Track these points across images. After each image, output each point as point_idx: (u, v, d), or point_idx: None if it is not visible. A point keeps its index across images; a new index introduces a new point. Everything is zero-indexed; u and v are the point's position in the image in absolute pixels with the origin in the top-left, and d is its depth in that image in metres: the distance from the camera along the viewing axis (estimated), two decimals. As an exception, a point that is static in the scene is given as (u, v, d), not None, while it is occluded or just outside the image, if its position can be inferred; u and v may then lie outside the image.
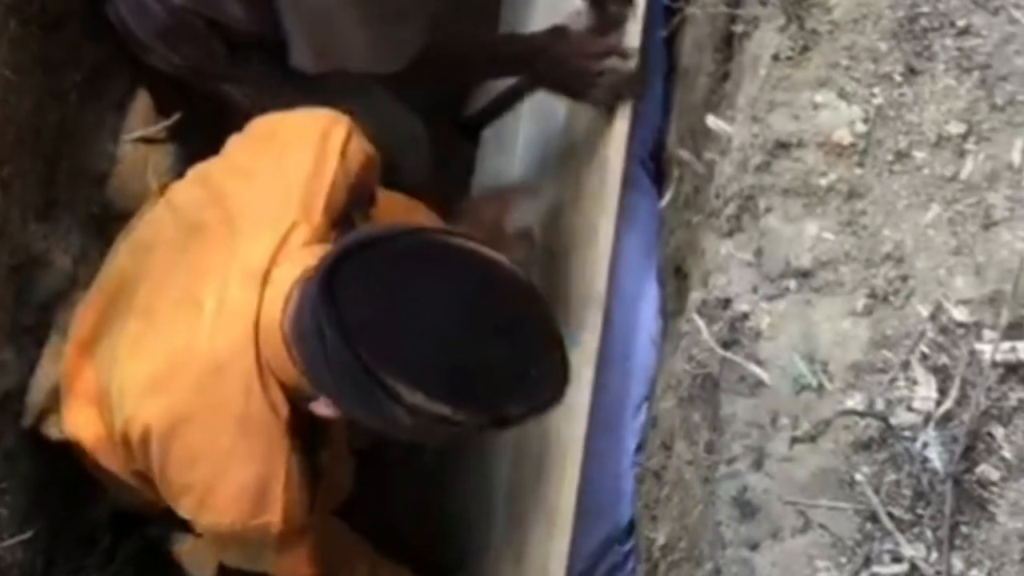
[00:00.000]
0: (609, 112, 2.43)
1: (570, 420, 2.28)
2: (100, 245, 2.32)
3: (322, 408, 1.85)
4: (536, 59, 2.47)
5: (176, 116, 2.52)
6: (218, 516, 1.93)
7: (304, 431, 1.93)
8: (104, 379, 2.05)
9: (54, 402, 2.19)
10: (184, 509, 1.97)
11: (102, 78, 2.42)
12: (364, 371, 1.70)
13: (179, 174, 2.31)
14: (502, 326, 1.75)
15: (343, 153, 1.99)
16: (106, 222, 2.37)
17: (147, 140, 2.50)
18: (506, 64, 2.57)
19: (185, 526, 2.22)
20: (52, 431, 2.20)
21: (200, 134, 2.73)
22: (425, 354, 1.71)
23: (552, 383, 1.80)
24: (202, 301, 1.91)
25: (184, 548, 2.47)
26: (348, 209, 2.01)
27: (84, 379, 2.11)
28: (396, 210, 2.21)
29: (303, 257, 1.87)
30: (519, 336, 1.76)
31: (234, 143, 2.10)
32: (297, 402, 1.89)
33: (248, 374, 1.87)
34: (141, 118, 2.51)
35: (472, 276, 1.77)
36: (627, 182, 2.42)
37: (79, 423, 2.11)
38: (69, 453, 2.20)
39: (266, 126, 2.08)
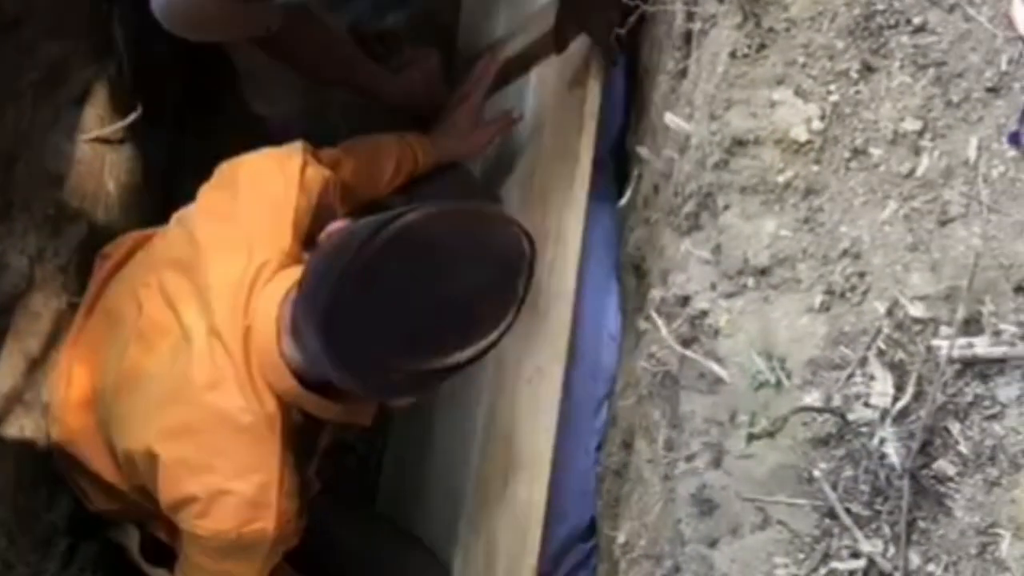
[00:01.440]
0: (578, 109, 2.44)
1: (539, 417, 2.28)
2: (56, 246, 2.31)
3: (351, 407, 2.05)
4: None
5: (133, 116, 2.51)
6: (219, 524, 2.03)
7: (295, 443, 2.05)
8: (99, 387, 2.21)
9: (13, 404, 2.19)
10: (185, 520, 2.07)
11: (59, 77, 2.41)
12: (387, 366, 1.89)
13: (136, 175, 2.33)
14: (483, 278, 1.91)
15: (301, 183, 2.13)
16: (62, 222, 2.36)
17: (104, 140, 2.48)
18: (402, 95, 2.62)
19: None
20: (11, 432, 2.20)
21: (159, 135, 2.74)
22: (427, 326, 1.88)
23: (520, 284, 1.94)
24: (189, 331, 2.06)
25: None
26: (316, 231, 2.09)
27: (81, 388, 2.25)
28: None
29: (282, 279, 2.02)
30: (487, 273, 1.92)
31: (204, 189, 2.21)
32: (290, 413, 2.03)
33: (243, 389, 2.01)
34: (98, 118, 2.49)
35: (430, 257, 1.89)
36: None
37: (75, 431, 2.25)
38: (26, 455, 2.20)
39: (228, 170, 2.20)
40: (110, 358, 2.20)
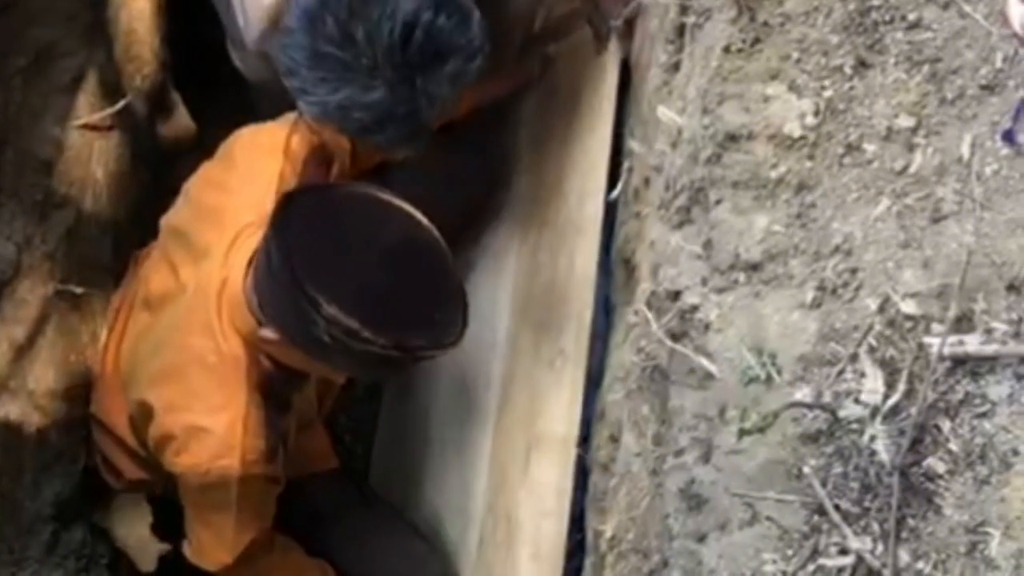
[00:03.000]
0: (594, 95, 2.46)
1: (564, 400, 2.32)
2: (44, 232, 2.31)
3: (267, 333, 2.13)
4: None
5: (123, 102, 2.50)
6: (193, 458, 2.20)
7: (264, 388, 2.19)
8: (121, 356, 2.42)
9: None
10: (168, 459, 2.24)
11: (47, 63, 2.39)
12: (294, 281, 2.03)
13: (124, 162, 2.33)
14: (417, 270, 2.12)
15: (286, 151, 2.28)
16: (50, 209, 2.35)
17: (93, 127, 2.48)
18: None
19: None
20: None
21: (148, 122, 2.73)
22: (346, 276, 2.05)
23: (452, 329, 2.11)
24: (184, 288, 2.26)
25: (130, 539, 2.47)
26: None
27: (110, 361, 2.45)
28: None
29: (258, 237, 2.16)
30: (430, 281, 2.12)
31: (208, 161, 2.39)
32: (257, 358, 2.19)
33: (211, 332, 2.18)
34: (87, 104, 2.48)
35: (400, 225, 2.12)
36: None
37: (105, 399, 2.44)
38: (11, 442, 2.20)
39: (226, 144, 2.38)
40: (128, 329, 2.43)
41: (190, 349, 2.20)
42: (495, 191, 2.64)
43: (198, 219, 2.30)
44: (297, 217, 2.07)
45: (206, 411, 2.18)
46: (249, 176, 2.29)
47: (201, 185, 2.36)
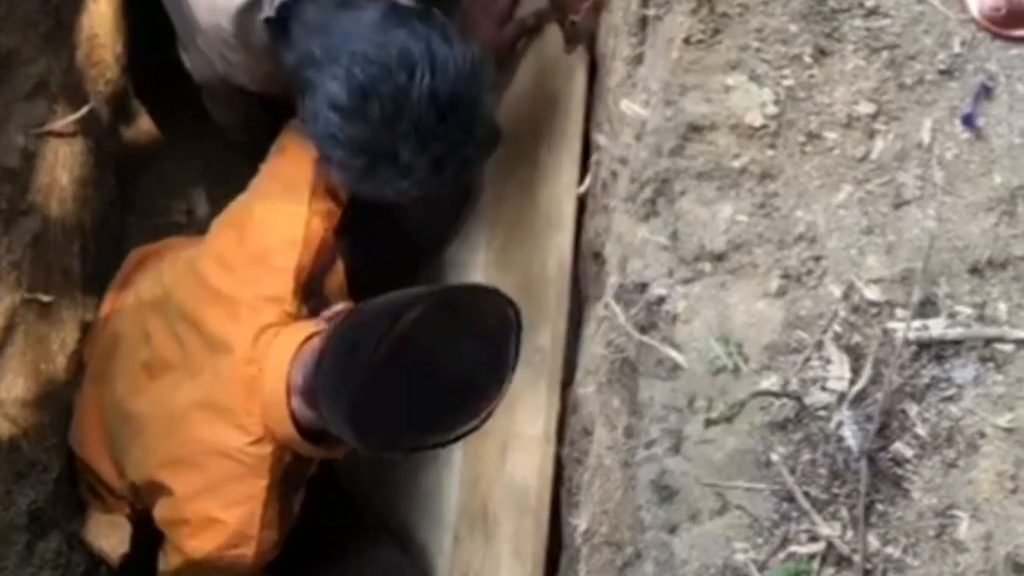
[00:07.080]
0: (562, 93, 2.45)
1: (541, 397, 2.32)
2: (10, 241, 2.29)
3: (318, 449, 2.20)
4: None
5: (86, 108, 2.49)
6: (205, 545, 2.22)
7: (283, 480, 2.22)
8: (106, 408, 2.41)
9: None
10: (176, 536, 2.26)
11: (9, 71, 2.37)
12: (396, 450, 2.17)
13: (89, 167, 2.31)
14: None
15: (304, 240, 2.29)
16: (15, 217, 2.34)
17: (57, 134, 2.46)
18: None
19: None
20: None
21: (112, 127, 2.72)
22: (431, 424, 2.04)
23: (508, 371, 2.05)
24: (195, 371, 2.24)
25: (107, 545, 2.47)
26: (316, 272, 2.32)
27: (90, 407, 2.45)
28: None
29: (289, 338, 2.18)
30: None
31: (215, 229, 2.38)
32: (283, 455, 2.20)
33: (242, 430, 2.18)
34: (51, 111, 2.47)
35: (430, 354, 2.03)
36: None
37: (87, 446, 2.45)
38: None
39: (237, 208, 2.38)
40: (116, 383, 2.39)
41: (211, 442, 2.20)
42: (475, 197, 2.64)
43: (207, 304, 2.26)
44: (372, 403, 2.03)
45: (223, 504, 2.20)
46: (259, 261, 2.27)
47: (209, 260, 2.31)
